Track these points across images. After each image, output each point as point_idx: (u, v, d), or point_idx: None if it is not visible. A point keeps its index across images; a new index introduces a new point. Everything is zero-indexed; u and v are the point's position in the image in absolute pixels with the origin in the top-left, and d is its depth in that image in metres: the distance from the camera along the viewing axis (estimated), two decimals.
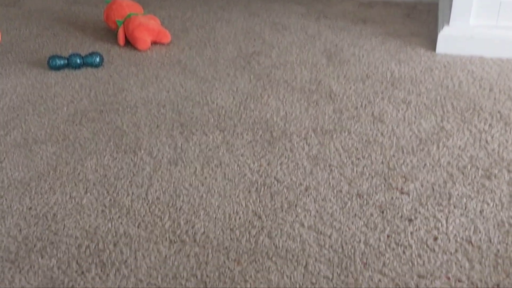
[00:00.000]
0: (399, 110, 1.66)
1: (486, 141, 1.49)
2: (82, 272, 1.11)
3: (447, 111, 1.65)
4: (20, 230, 1.23)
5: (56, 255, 1.16)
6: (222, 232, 1.22)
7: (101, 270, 1.12)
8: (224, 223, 1.24)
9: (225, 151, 1.49)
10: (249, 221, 1.24)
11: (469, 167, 1.39)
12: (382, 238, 1.19)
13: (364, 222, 1.23)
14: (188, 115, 1.68)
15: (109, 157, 1.48)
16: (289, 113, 1.67)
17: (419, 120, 1.60)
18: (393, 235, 1.19)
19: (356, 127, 1.58)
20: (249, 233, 1.21)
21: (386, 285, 1.08)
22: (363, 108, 1.68)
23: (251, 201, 1.30)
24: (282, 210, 1.27)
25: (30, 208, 1.30)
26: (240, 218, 1.25)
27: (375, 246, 1.17)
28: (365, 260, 1.14)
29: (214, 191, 1.33)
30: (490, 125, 1.57)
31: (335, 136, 1.54)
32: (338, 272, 1.11)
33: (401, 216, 1.24)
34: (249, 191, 1.33)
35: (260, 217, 1.25)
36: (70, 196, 1.33)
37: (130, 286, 1.08)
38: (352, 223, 1.23)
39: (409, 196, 1.29)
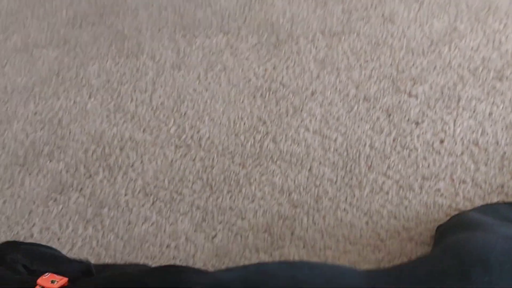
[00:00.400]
0: (410, 10, 1.59)
1: (500, 42, 1.43)
2: (90, 176, 1.13)
3: (461, 11, 1.57)
4: (27, 135, 1.23)
5: (64, 159, 1.17)
6: (227, 137, 1.21)
7: (109, 173, 1.14)
8: (229, 129, 1.23)
9: (229, 55, 1.45)
10: (254, 127, 1.23)
11: (480, 68, 1.35)
12: (388, 141, 1.18)
13: (370, 126, 1.22)
14: (190, 18, 1.62)
15: (111, 61, 1.45)
16: (296, 15, 1.60)
17: (431, 21, 1.54)
18: (399, 138, 1.19)
19: (365, 28, 1.52)
20: (254, 138, 1.21)
21: (389, 187, 1.10)
22: (373, 8, 1.61)
23: (256, 106, 1.28)
24: (287, 115, 1.26)
25: (35, 114, 1.29)
26: (244, 123, 1.24)
27: (380, 150, 1.17)
28: (369, 163, 1.14)
29: (219, 97, 1.32)
30: (505, 25, 1.50)
31: (343, 38, 1.49)
32: (342, 175, 1.12)
33: (408, 119, 1.22)
34: (254, 96, 1.31)
35: (265, 122, 1.24)
36: (74, 102, 1.32)
37: (138, 189, 1.10)
38: (358, 126, 1.22)
39: (417, 99, 1.27)
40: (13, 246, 0.80)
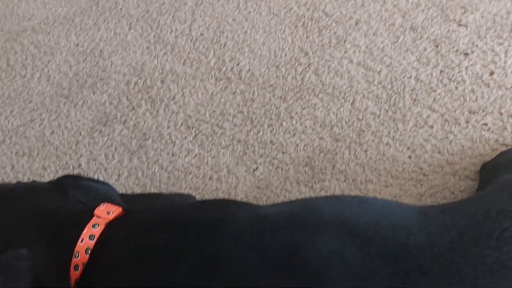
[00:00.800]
0: None
1: None
2: (133, 108, 1.15)
3: None
4: (70, 66, 1.25)
5: (107, 91, 1.19)
6: (267, 69, 1.20)
7: (151, 106, 1.15)
8: (270, 60, 1.21)
9: None
10: (296, 58, 1.21)
11: None
12: (434, 74, 1.14)
13: (416, 57, 1.18)
14: None
15: None
16: None
17: None
18: (446, 70, 1.15)
19: None
20: (296, 70, 1.19)
21: (434, 121, 1.07)
22: None
23: (297, 36, 1.25)
24: (330, 46, 1.22)
25: (77, 45, 1.30)
26: (286, 54, 1.22)
27: (426, 82, 1.13)
28: (414, 96, 1.11)
29: (259, 27, 1.28)
30: None
31: None
32: (386, 108, 1.10)
33: (457, 50, 1.17)
34: (296, 26, 1.27)
35: (307, 54, 1.21)
36: (114, 33, 1.32)
37: (180, 122, 1.11)
38: (404, 58, 1.18)
39: (467, 28, 1.21)
40: (73, 179, 0.84)
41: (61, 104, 1.17)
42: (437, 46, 1.19)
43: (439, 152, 1.03)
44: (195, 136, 1.09)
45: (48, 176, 1.06)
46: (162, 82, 1.19)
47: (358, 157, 1.03)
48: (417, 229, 0.63)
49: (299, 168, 1.03)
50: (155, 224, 0.71)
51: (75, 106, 1.17)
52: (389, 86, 1.13)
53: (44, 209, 0.78)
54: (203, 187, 1.01)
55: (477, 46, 1.17)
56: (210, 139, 1.08)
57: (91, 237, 0.72)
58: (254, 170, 1.03)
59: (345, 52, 1.20)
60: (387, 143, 1.05)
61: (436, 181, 0.99)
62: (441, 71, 1.14)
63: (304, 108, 1.11)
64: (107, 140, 1.12)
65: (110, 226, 0.73)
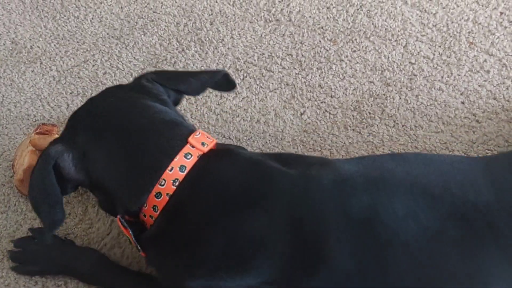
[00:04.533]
0: None
1: None
2: (183, 50, 1.15)
3: None
4: (122, 7, 1.26)
5: (157, 32, 1.20)
6: (318, 11, 1.17)
7: (200, 48, 1.15)
8: (321, 1, 1.18)
9: None
10: None
11: None
12: (493, 16, 1.09)
13: None
14: None
15: None
16: None
17: None
18: (507, 12, 1.08)
19: None
20: (347, 11, 1.15)
21: (491, 66, 1.03)
22: None
23: None
24: None
25: None
26: None
27: (484, 25, 1.08)
28: (471, 40, 1.06)
29: None
30: None
31: None
32: (440, 52, 1.06)
33: None
34: None
35: None
36: None
37: (228, 64, 1.11)
38: None
39: None
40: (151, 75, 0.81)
41: (113, 45, 1.19)
42: None
43: (495, 98, 1.00)
44: (243, 79, 1.09)
45: None
46: (211, 23, 1.19)
47: (409, 102, 1.01)
48: (483, 185, 0.63)
49: (347, 112, 1.02)
50: (253, 173, 0.68)
51: (126, 47, 1.18)
52: (445, 28, 1.09)
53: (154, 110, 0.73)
54: (250, 130, 1.02)
55: None
56: (258, 82, 1.08)
57: (181, 168, 0.68)
58: (301, 114, 1.03)
59: None
60: (440, 88, 1.02)
61: (489, 128, 0.97)
62: (501, 13, 1.09)
63: (354, 51, 1.09)
64: None
65: (205, 161, 0.69)
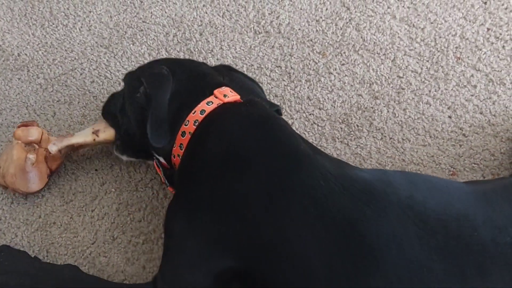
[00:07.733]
0: None
1: None
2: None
3: None
4: (111, 16, 1.25)
5: (146, 42, 1.19)
6: (307, 23, 1.18)
7: (189, 58, 1.15)
8: (310, 14, 1.19)
9: None
10: (337, 12, 1.18)
11: None
12: (480, 32, 1.10)
13: (463, 14, 1.13)
14: None
15: None
16: None
17: None
18: (493, 29, 1.10)
19: None
20: (336, 25, 1.16)
21: (478, 81, 1.04)
22: None
23: None
24: (372, 1, 1.19)
25: None
26: (327, 9, 1.19)
27: (471, 40, 1.09)
28: (458, 55, 1.08)
29: None
30: None
31: None
32: (428, 67, 1.07)
33: (506, 8, 1.12)
34: None
35: (348, 8, 1.18)
36: None
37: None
38: (450, 15, 1.14)
39: None
40: (228, 68, 0.95)
41: (102, 54, 1.18)
42: (485, 3, 1.14)
43: (481, 113, 1.00)
44: None
45: (87, 124, 1.09)
46: (200, 34, 1.19)
47: (397, 115, 1.02)
48: (481, 221, 0.61)
49: (336, 124, 1.02)
50: (256, 129, 0.74)
51: (115, 56, 1.18)
52: (433, 43, 1.10)
53: (199, 70, 0.85)
54: None
55: None
56: None
57: (202, 111, 0.76)
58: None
59: (388, 7, 1.17)
60: (427, 102, 1.03)
61: (476, 142, 0.97)
62: (488, 29, 1.10)
63: (343, 64, 1.10)
64: None
65: (222, 108, 0.77)
